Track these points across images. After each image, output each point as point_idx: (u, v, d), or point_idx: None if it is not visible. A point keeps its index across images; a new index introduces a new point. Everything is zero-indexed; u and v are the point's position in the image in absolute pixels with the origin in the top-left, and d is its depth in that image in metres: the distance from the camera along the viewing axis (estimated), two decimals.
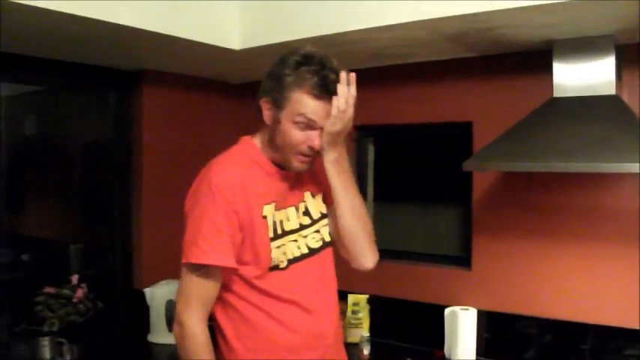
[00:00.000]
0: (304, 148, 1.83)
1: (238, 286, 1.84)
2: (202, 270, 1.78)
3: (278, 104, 1.81)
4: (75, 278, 3.06)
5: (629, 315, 2.63)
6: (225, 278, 1.83)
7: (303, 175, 1.99)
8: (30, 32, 2.49)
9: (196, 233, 1.79)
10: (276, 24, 2.81)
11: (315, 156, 1.88)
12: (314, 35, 2.63)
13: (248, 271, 1.82)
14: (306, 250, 1.94)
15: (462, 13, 2.28)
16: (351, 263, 2.04)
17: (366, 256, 2.02)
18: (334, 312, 2.01)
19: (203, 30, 2.77)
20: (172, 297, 3.16)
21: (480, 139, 2.90)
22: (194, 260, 1.78)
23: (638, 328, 2.60)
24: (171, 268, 3.36)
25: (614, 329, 2.66)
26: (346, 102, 1.80)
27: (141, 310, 3.25)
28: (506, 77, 2.92)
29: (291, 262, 1.89)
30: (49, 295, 2.95)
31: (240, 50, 2.93)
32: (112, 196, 3.49)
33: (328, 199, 2.02)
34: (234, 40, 2.92)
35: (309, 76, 1.76)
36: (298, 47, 1.87)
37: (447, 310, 2.94)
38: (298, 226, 1.94)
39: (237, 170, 1.85)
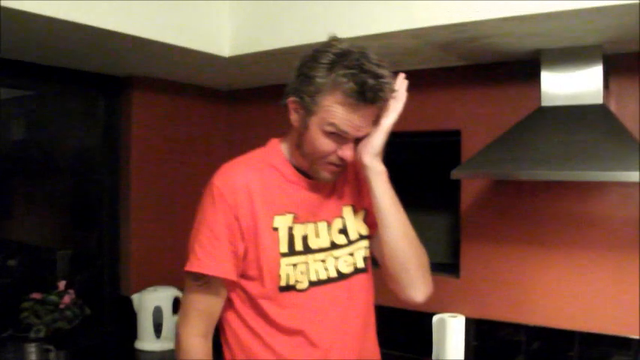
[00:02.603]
0: (334, 158, 1.62)
1: (240, 305, 1.67)
2: (201, 280, 1.63)
3: (307, 108, 1.59)
4: (62, 284, 3.05)
5: (615, 322, 2.65)
6: (229, 292, 1.67)
7: (343, 187, 1.78)
8: (18, 37, 2.48)
9: (195, 240, 1.66)
10: (266, 31, 2.81)
11: (344, 165, 1.67)
12: (304, 43, 2.63)
13: (253, 288, 1.64)
14: (334, 274, 1.69)
15: (451, 22, 2.29)
16: (399, 295, 1.77)
17: (415, 287, 1.74)
18: (351, 349, 1.71)
19: (193, 36, 2.77)
20: (160, 303, 3.17)
21: (469, 147, 2.92)
22: (189, 268, 1.64)
23: (624, 335, 2.62)
24: (159, 274, 3.40)
25: (601, 336, 2.67)
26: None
27: (128, 316, 3.24)
28: (494, 86, 2.94)
29: (313, 284, 1.66)
30: (36, 301, 2.93)
31: (230, 57, 2.93)
32: (100, 201, 3.48)
33: (371, 218, 1.78)
34: (224, 47, 2.92)
35: (344, 80, 1.52)
36: (334, 40, 1.63)
37: (435, 318, 2.94)
38: (329, 245, 1.70)
39: (246, 173, 1.66)
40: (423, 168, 3.38)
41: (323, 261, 1.68)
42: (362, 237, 1.77)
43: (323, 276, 1.68)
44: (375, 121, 1.63)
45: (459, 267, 3.07)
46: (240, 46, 2.90)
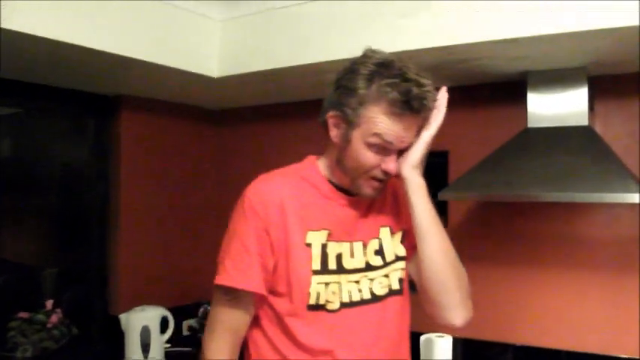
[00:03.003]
0: (378, 172, 1.56)
1: (267, 323, 1.60)
2: (230, 294, 1.58)
3: (349, 121, 1.52)
4: (50, 303, 3.04)
5: (602, 341, 2.67)
6: (257, 309, 1.61)
7: (381, 208, 1.71)
8: (8, 55, 2.48)
9: (225, 253, 1.60)
10: (255, 52, 2.84)
11: (387, 181, 1.61)
12: (292, 64, 2.66)
13: (281, 305, 1.57)
14: (368, 296, 1.61)
15: (439, 45, 2.33)
16: (436, 319, 1.64)
17: (455, 310, 1.62)
18: None
19: (182, 57, 2.79)
20: (148, 323, 3.15)
21: (456, 168, 2.94)
22: (218, 281, 1.58)
23: (611, 354, 2.64)
24: (148, 293, 3.40)
25: (588, 355, 2.69)
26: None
27: (116, 336, 3.22)
28: (481, 107, 2.97)
29: (344, 305, 1.58)
30: (23, 320, 2.92)
31: (219, 78, 2.95)
32: (88, 220, 3.47)
33: (407, 240, 1.70)
34: (213, 68, 2.94)
35: (388, 90, 1.46)
36: (370, 52, 1.57)
37: (422, 337, 2.94)
38: (364, 266, 1.62)
39: (280, 186, 1.60)
40: None
41: (357, 282, 1.61)
42: (398, 258, 1.68)
43: (356, 297, 1.60)
44: (418, 133, 1.57)
45: None
46: (228, 66, 2.92)
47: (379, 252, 1.65)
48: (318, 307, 1.55)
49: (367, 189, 1.58)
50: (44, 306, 3.03)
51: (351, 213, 1.63)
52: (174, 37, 2.76)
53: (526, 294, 2.87)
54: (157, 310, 3.24)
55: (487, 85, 2.92)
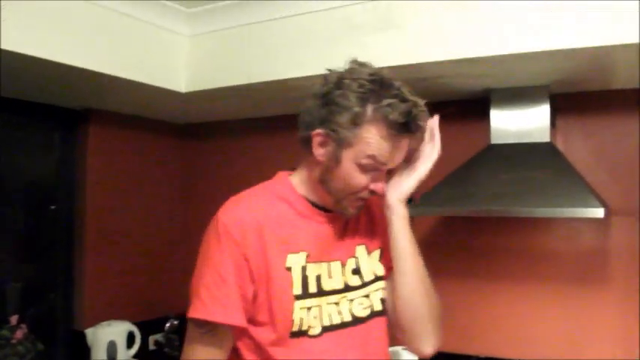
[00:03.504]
0: (365, 192, 1.50)
1: (247, 353, 1.48)
2: (206, 327, 1.44)
3: (340, 141, 1.43)
4: (14, 318, 3.00)
5: (564, 352, 2.73)
6: (236, 341, 1.49)
7: (356, 226, 1.63)
8: None
9: (199, 283, 1.46)
10: (223, 68, 2.86)
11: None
12: (260, 80, 2.68)
13: (263, 335, 1.46)
14: (348, 318, 1.54)
15: (404, 63, 2.37)
16: (405, 344, 1.65)
17: (426, 339, 1.61)
18: None
19: (150, 72, 2.80)
20: (114, 338, 3.14)
21: (420, 184, 2.96)
22: (194, 314, 1.44)
23: None
24: (114, 308, 3.38)
25: None
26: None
27: (82, 351, 3.20)
28: (445, 124, 2.96)
29: (326, 329, 1.49)
30: None
31: (187, 93, 2.97)
32: (54, 235, 3.44)
33: (385, 260, 1.64)
34: (181, 83, 2.95)
35: (388, 111, 1.39)
36: (358, 64, 1.51)
37: (389, 350, 2.96)
38: (343, 286, 1.54)
39: (255, 207, 1.50)
40: None
41: (336, 304, 1.53)
42: (378, 278, 1.62)
43: (337, 320, 1.52)
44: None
45: None
46: (196, 82, 2.94)
47: (357, 271, 1.58)
48: (300, 334, 1.46)
49: (352, 209, 1.53)
50: (8, 321, 2.99)
51: (328, 232, 1.56)
52: (142, 52, 2.76)
53: (490, 307, 2.91)
54: (124, 325, 3.23)
55: (451, 102, 2.95)
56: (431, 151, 1.58)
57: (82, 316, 3.39)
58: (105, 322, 3.22)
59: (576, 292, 2.73)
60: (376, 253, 1.64)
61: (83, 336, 3.20)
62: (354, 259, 1.59)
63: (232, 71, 2.82)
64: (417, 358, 2.86)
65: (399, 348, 2.90)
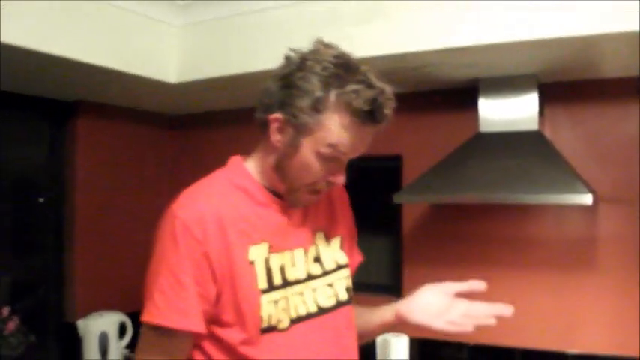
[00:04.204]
0: (322, 184, 1.41)
1: (218, 354, 1.37)
2: (160, 331, 1.33)
3: (299, 127, 1.33)
4: (6, 310, 3.00)
5: (553, 338, 2.76)
6: (198, 342, 1.38)
7: (315, 212, 1.55)
8: None
9: (153, 284, 1.34)
10: (213, 58, 2.86)
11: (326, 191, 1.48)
12: (249, 71, 2.68)
13: (231, 336, 1.36)
14: (314, 308, 1.46)
15: (391, 52, 2.38)
16: None
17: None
18: None
19: (139, 62, 2.79)
20: (106, 328, 3.15)
21: (410, 172, 2.99)
22: (149, 319, 1.33)
23: (562, 350, 2.73)
24: (105, 299, 3.38)
25: (540, 352, 2.78)
26: None
27: (73, 342, 3.21)
28: (434, 113, 3.03)
29: (293, 321, 1.41)
30: None
31: (176, 84, 2.96)
32: (43, 226, 3.44)
33: (347, 247, 1.61)
34: (171, 73, 2.94)
35: (352, 97, 1.28)
36: (323, 45, 1.40)
37: (379, 338, 2.98)
38: (305, 276, 1.47)
39: (213, 199, 1.38)
40: (365, 192, 3.44)
41: (301, 294, 1.45)
42: (341, 266, 1.56)
43: (302, 311, 1.43)
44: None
45: (402, 288, 3.12)
46: (186, 72, 2.93)
47: (317, 259, 1.51)
48: (269, 329, 1.38)
49: (305, 200, 1.46)
50: (0, 313, 2.99)
51: (288, 219, 1.46)
52: (131, 43, 2.76)
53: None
54: (115, 316, 3.24)
55: (439, 91, 2.98)
56: (463, 321, 1.63)
57: (73, 307, 3.39)
58: (96, 313, 3.23)
59: (566, 279, 2.76)
60: (336, 241, 1.58)
61: (75, 327, 3.20)
62: (314, 247, 1.52)
63: (222, 62, 2.82)
64: (406, 338, 2.91)
65: (388, 335, 2.93)
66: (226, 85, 2.96)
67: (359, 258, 1.71)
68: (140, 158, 3.77)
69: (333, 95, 1.30)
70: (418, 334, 2.99)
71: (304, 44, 1.38)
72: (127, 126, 3.69)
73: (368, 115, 1.31)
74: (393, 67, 2.55)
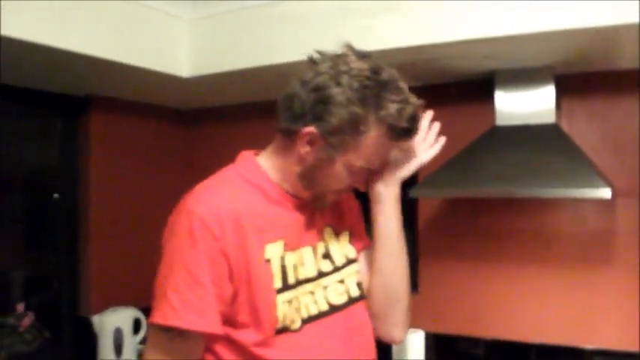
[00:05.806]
0: (346, 187, 1.44)
1: (229, 354, 1.33)
2: (173, 333, 1.27)
3: (335, 145, 1.32)
4: (21, 306, 3.01)
5: (569, 333, 2.74)
6: (209, 344, 1.33)
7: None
8: None
9: (166, 283, 1.29)
10: (225, 52, 2.84)
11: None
12: (261, 64, 2.66)
13: (246, 337, 1.31)
14: (325, 307, 1.43)
15: (407, 45, 2.35)
16: (377, 331, 1.56)
17: (399, 326, 1.58)
18: None
19: (151, 57, 2.78)
20: (120, 324, 3.14)
21: (426, 166, 2.95)
22: (162, 321, 1.27)
23: (578, 346, 2.70)
24: (119, 295, 3.38)
25: (556, 348, 2.75)
26: None
27: (88, 338, 3.21)
28: (450, 106, 2.98)
29: (305, 321, 1.38)
30: None
31: (188, 78, 2.94)
32: (58, 222, 3.44)
33: (356, 242, 1.58)
34: (183, 68, 2.92)
35: (395, 116, 1.30)
36: (354, 54, 1.38)
37: None
38: (316, 274, 1.44)
39: (229, 195, 1.35)
40: None
41: (312, 293, 1.42)
42: (350, 261, 1.54)
43: (314, 310, 1.41)
44: None
45: (418, 282, 3.10)
46: (198, 66, 2.92)
47: (327, 255, 1.49)
48: (283, 330, 1.34)
49: (328, 203, 1.48)
50: (15, 309, 3.00)
51: (299, 217, 1.44)
52: (143, 37, 2.74)
53: (496, 289, 2.91)
54: (129, 312, 3.24)
55: (455, 84, 2.95)
56: (433, 139, 1.59)
57: (87, 303, 3.39)
58: (111, 309, 3.23)
59: (582, 274, 2.73)
60: (345, 235, 1.57)
61: (89, 323, 3.20)
62: (323, 243, 1.50)
63: (234, 55, 2.80)
64: (422, 333, 2.89)
65: None
66: (239, 78, 2.94)
67: (370, 243, 1.64)
68: (154, 152, 3.76)
69: (372, 116, 1.30)
70: (434, 330, 2.99)
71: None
72: (139, 120, 3.68)
73: (406, 132, 1.35)
74: (408, 60, 2.53)
